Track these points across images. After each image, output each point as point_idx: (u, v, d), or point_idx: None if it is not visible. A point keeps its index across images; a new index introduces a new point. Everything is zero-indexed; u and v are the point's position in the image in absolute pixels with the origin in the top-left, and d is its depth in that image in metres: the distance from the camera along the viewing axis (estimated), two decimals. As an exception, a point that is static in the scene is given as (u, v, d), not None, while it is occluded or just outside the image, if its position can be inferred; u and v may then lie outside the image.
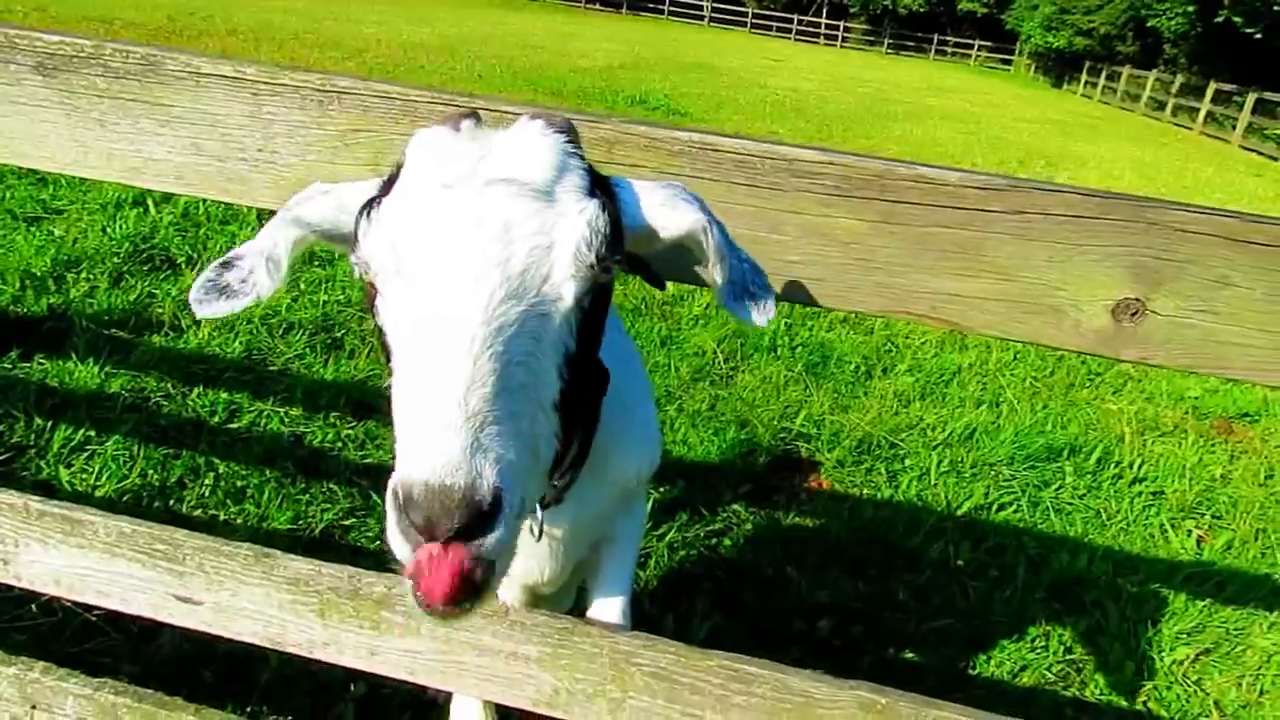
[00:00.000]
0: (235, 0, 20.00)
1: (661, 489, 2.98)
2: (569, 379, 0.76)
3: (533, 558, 1.17)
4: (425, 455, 0.65)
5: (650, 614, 2.39)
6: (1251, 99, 20.75)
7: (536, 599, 1.33)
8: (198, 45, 11.77)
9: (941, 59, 46.90)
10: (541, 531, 1.07)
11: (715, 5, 49.56)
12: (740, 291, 0.83)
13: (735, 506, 2.96)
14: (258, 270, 0.83)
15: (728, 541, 2.78)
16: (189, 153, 0.96)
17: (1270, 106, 20.92)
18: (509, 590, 1.28)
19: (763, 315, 0.83)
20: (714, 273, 0.82)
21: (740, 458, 3.28)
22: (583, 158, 0.78)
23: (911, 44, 48.51)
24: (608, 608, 1.33)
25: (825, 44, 47.00)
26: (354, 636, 1.17)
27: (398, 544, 0.68)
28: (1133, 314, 0.83)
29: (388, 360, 0.78)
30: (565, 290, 0.74)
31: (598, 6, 48.65)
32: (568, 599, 1.71)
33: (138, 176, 0.98)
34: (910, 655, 2.42)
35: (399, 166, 0.79)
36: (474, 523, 0.65)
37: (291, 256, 0.84)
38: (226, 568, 1.18)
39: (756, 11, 48.96)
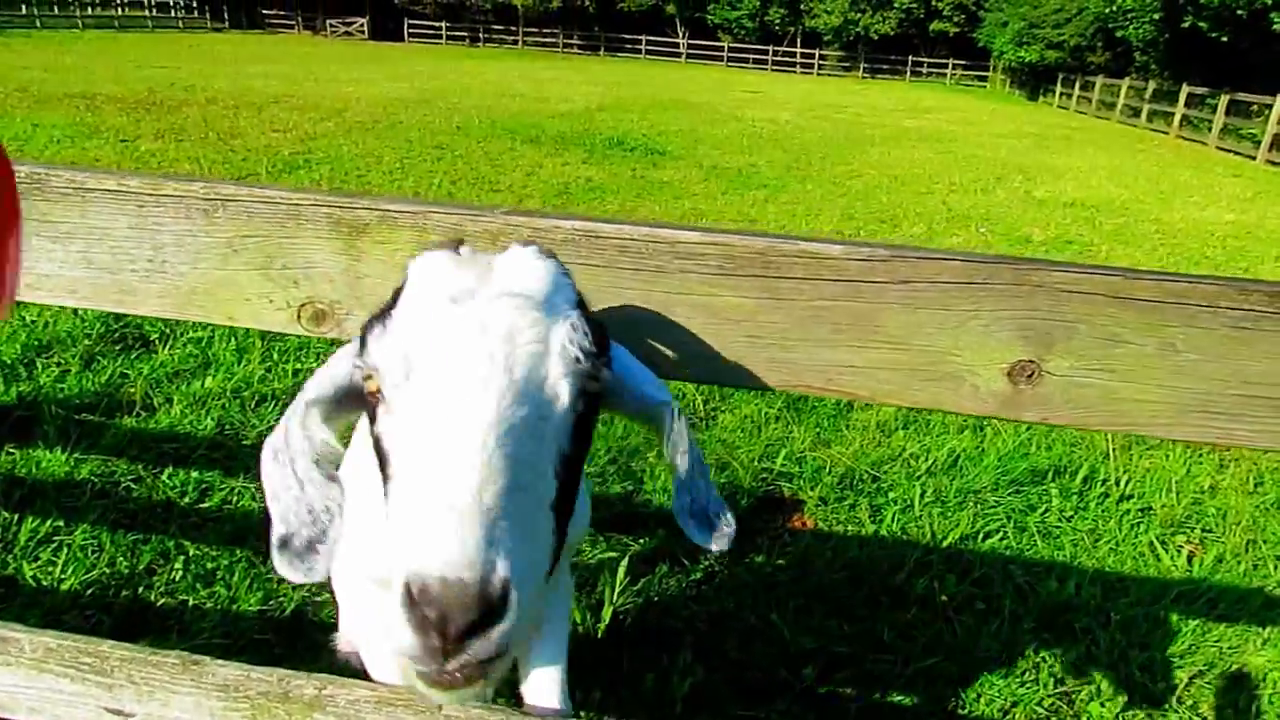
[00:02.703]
0: (215, 69, 20.32)
1: (641, 540, 2.94)
2: (564, 480, 0.79)
3: None
4: (440, 548, 0.66)
5: (631, 672, 2.35)
6: (1224, 101, 20.99)
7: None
8: (178, 114, 11.90)
9: (918, 80, 47.52)
10: None
11: (691, 42, 50.33)
12: (699, 511, 0.87)
13: (716, 553, 2.92)
14: (311, 489, 0.86)
15: (709, 590, 2.74)
16: (81, 266, 0.95)
17: (1243, 107, 21.15)
18: None
19: (722, 539, 0.88)
20: (676, 458, 0.86)
21: (721, 502, 3.25)
22: (574, 284, 0.84)
23: (886, 67, 49.17)
24: (545, 690, 1.30)
25: (801, 73, 47.63)
26: (288, 740, 1.14)
27: (407, 639, 0.68)
28: (1029, 376, 0.82)
29: (383, 469, 0.81)
30: (561, 390, 0.78)
31: (576, 51, 49.40)
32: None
33: (33, 293, 0.97)
34: (898, 698, 2.37)
35: (400, 288, 0.84)
36: (485, 618, 0.66)
37: (331, 434, 0.88)
38: (155, 677, 1.15)
39: (732, 45, 49.70)
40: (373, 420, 0.82)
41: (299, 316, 0.93)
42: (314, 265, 0.92)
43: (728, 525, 0.90)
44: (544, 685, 1.31)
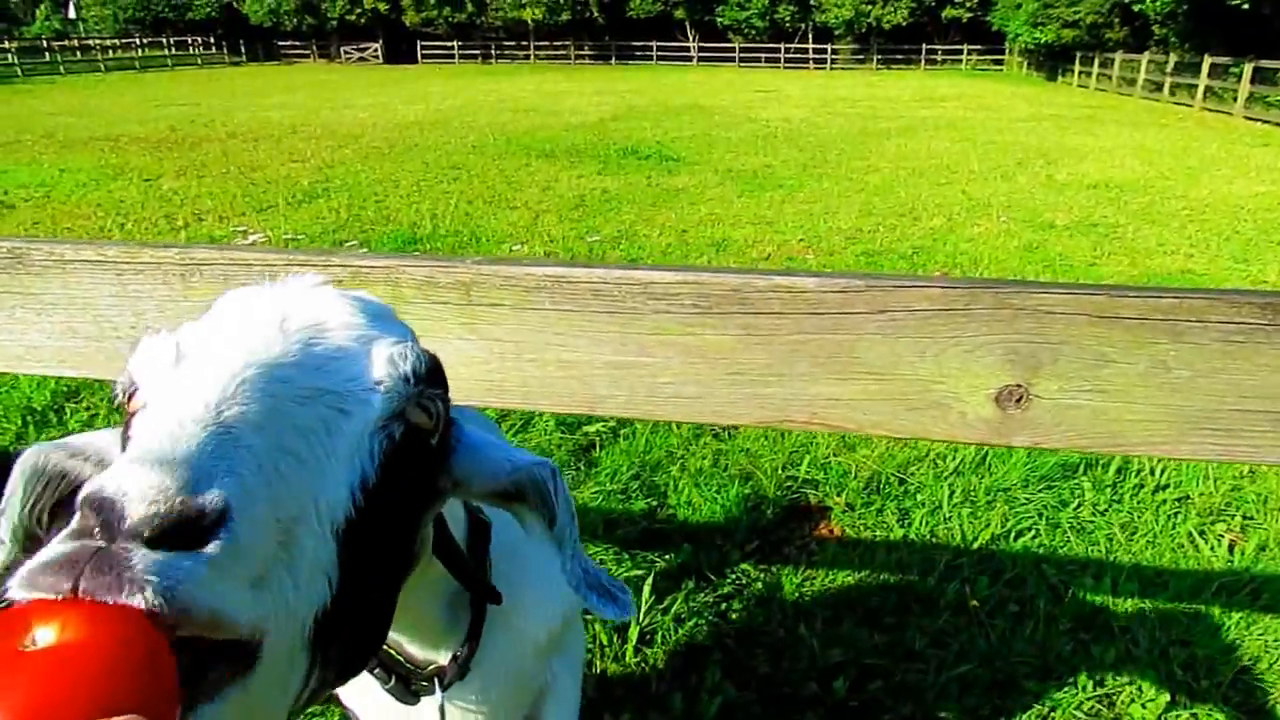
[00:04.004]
0: (234, 102, 20.68)
1: (667, 556, 2.93)
2: (360, 512, 0.58)
3: None
4: (135, 451, 0.47)
5: (659, 694, 2.34)
6: (1249, 69, 20.54)
7: None
8: (199, 150, 12.12)
9: (933, 68, 47.08)
10: (444, 715, 0.97)
11: (701, 45, 50.33)
12: (595, 583, 0.74)
13: (744, 566, 2.90)
14: None
15: (737, 605, 2.72)
16: (66, 337, 0.96)
17: (1269, 74, 20.69)
18: None
19: (627, 608, 0.75)
20: (564, 525, 0.73)
21: (746, 513, 3.23)
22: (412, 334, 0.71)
23: (900, 57, 48.76)
24: None
25: (814, 69, 47.39)
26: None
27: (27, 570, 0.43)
28: (1017, 400, 0.80)
29: None
30: (374, 398, 0.61)
31: (587, 61, 49.60)
32: None
33: (22, 364, 0.99)
34: (932, 709, 2.33)
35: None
36: (177, 531, 0.44)
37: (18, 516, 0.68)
38: None
39: (743, 46, 49.60)
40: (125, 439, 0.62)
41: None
42: (293, 324, 0.92)
43: (622, 592, 0.76)
44: None
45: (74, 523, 0.45)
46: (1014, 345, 0.78)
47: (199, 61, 46.37)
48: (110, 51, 43.10)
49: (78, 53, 40.86)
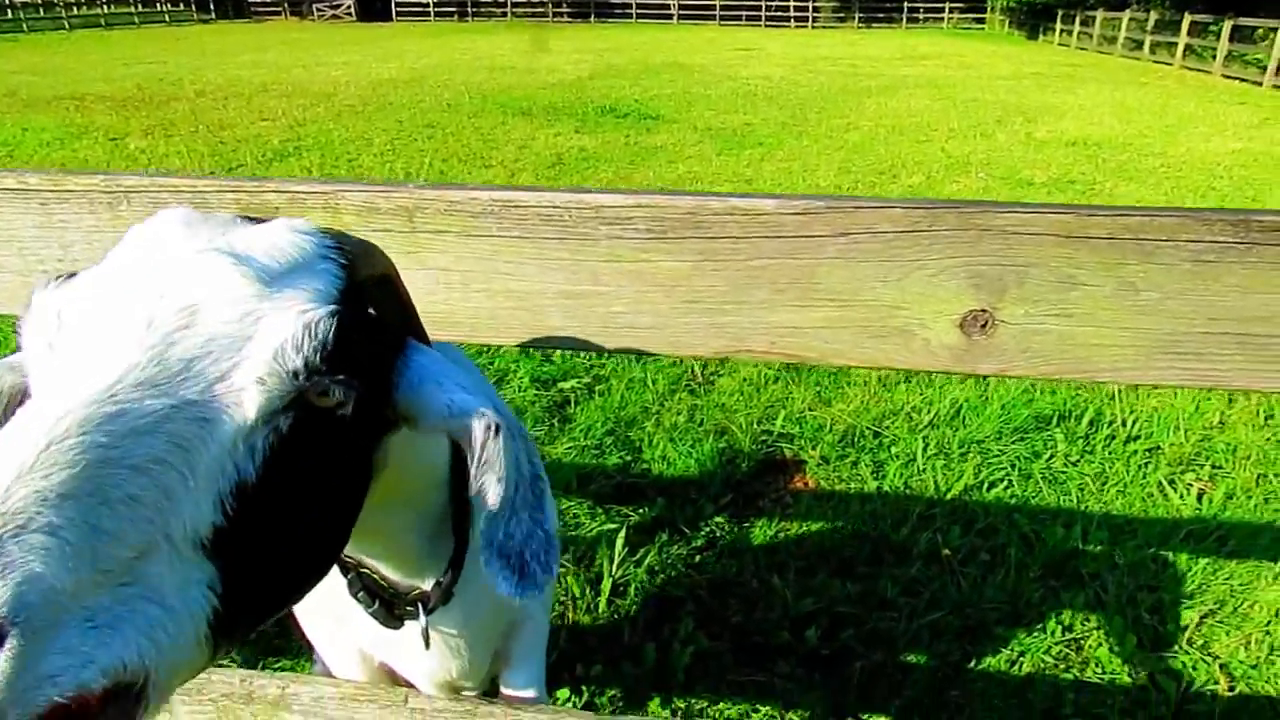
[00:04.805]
0: (203, 61, 20.17)
1: (641, 510, 2.92)
2: (239, 516, 0.57)
3: (435, 659, 1.11)
4: None
5: (632, 644, 2.34)
6: (1228, 27, 20.50)
7: (458, 693, 1.27)
8: (167, 109, 11.83)
9: (914, 26, 46.68)
10: (428, 637, 0.99)
11: (683, 3, 49.53)
12: (512, 551, 0.67)
13: (718, 519, 2.90)
14: None
15: (710, 557, 2.72)
16: (-8, 272, 0.91)
17: (1248, 32, 20.66)
18: (427, 689, 1.22)
19: (531, 589, 0.67)
20: (485, 483, 0.67)
21: (721, 467, 3.22)
22: (349, 273, 0.66)
23: (882, 15, 48.29)
24: (522, 693, 1.28)
25: (796, 26, 46.86)
26: (257, 740, 1.12)
27: None
28: (982, 326, 0.77)
29: None
30: (246, 399, 0.58)
31: (565, 19, 48.75)
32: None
33: (-51, 302, 0.94)
34: (903, 656, 2.35)
35: None
36: None
37: None
38: (119, 684, 1.13)
39: (724, 3, 48.88)
40: None
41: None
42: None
43: (545, 573, 0.68)
44: (522, 683, 1.29)
45: None
46: (979, 268, 0.75)
47: (167, 19, 45.11)
48: (75, 9, 41.84)
49: (40, 9, 39.60)
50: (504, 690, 1.31)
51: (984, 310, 0.77)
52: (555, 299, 0.83)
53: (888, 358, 0.80)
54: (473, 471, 0.67)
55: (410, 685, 1.20)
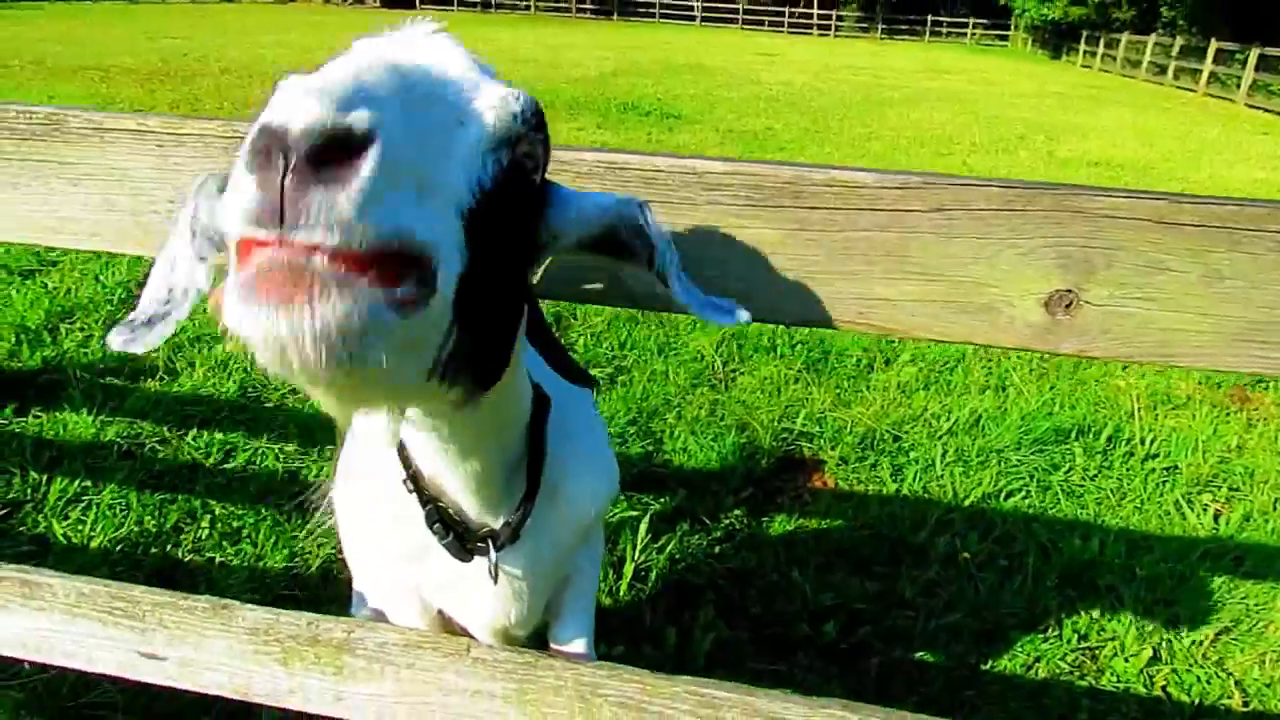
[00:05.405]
0: (228, 39, 20.24)
1: (662, 499, 2.95)
2: (474, 219, 0.62)
3: (498, 600, 1.14)
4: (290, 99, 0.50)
5: (653, 628, 2.36)
6: (1254, 56, 20.47)
7: (510, 641, 1.30)
8: (192, 85, 11.88)
9: (937, 40, 46.67)
10: (497, 573, 1.04)
11: (706, 5, 49.58)
12: (709, 302, 0.79)
13: (737, 512, 2.92)
14: (181, 268, 0.75)
15: (730, 548, 2.74)
16: (102, 210, 0.94)
17: (1273, 62, 20.62)
18: (483, 636, 1.25)
19: (745, 313, 0.79)
20: (666, 260, 0.77)
21: (741, 461, 3.25)
22: None
23: (905, 27, 48.30)
24: (572, 639, 1.31)
25: (819, 34, 46.88)
26: (318, 683, 1.15)
27: (246, 191, 0.50)
28: (1067, 306, 0.80)
29: None
30: (486, 117, 0.66)
31: (589, 15, 48.79)
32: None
33: (55, 236, 0.97)
34: (920, 654, 2.37)
35: None
36: (338, 153, 0.50)
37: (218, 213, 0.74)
38: (186, 622, 1.17)
39: (747, 7, 48.93)
40: None
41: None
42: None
43: (731, 306, 0.80)
44: (571, 635, 1.32)
45: (250, 151, 0.50)
46: (1069, 249, 0.78)
47: (191, -5, 45.24)
48: (100, -20, 41.92)
49: (67, -20, 39.71)
50: (552, 645, 1.34)
51: (1069, 290, 0.80)
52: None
53: (972, 333, 0.83)
54: (651, 238, 0.76)
55: (465, 634, 1.23)
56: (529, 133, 0.69)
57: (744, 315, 0.79)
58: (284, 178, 0.49)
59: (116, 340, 0.77)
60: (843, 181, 0.80)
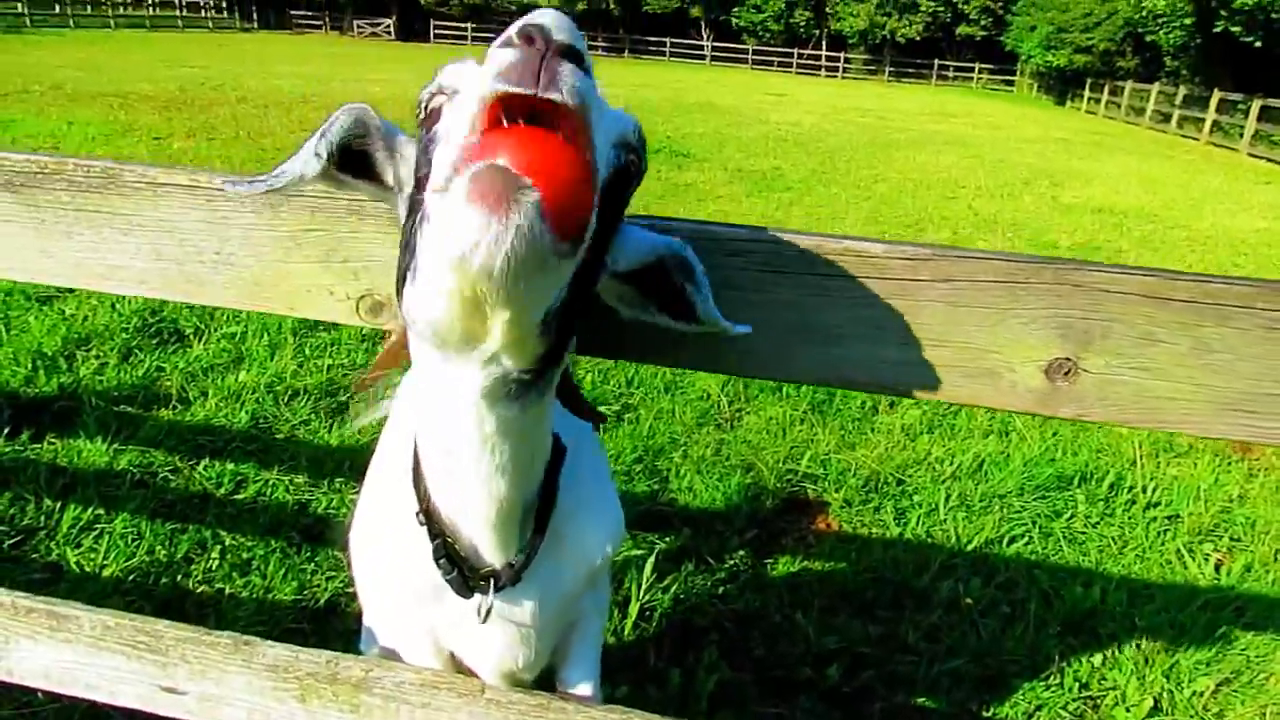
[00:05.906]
0: (244, 68, 20.59)
1: (667, 538, 2.97)
2: (595, 233, 0.73)
3: (506, 644, 1.16)
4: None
5: (656, 669, 2.38)
6: (1257, 106, 20.71)
7: (517, 684, 1.32)
8: (209, 113, 12.08)
9: (944, 84, 47.25)
10: (487, 615, 1.04)
11: (715, 45, 50.33)
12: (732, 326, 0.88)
13: (741, 553, 2.95)
14: (302, 156, 0.85)
15: (734, 589, 2.76)
16: (150, 259, 0.99)
17: (1276, 113, 20.85)
18: (491, 678, 1.27)
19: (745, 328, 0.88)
20: (703, 285, 0.86)
21: (746, 502, 3.27)
22: None
23: (912, 70, 48.94)
24: (580, 683, 1.34)
25: (826, 76, 47.52)
26: None
27: (507, 53, 0.65)
28: (1066, 373, 0.84)
29: (418, 191, 0.78)
30: (615, 119, 0.78)
31: (601, 53, 49.52)
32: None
33: (104, 282, 1.02)
34: (922, 700, 2.38)
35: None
36: (574, 55, 0.65)
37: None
38: (208, 657, 1.20)
39: (756, 48, 49.65)
40: (427, 140, 0.80)
41: (358, 308, 0.97)
42: (373, 259, 0.96)
43: (741, 326, 0.90)
44: (579, 678, 1.35)
45: (512, 40, 0.65)
46: (1068, 320, 0.83)
47: (210, 25, 46.12)
48: (121, 8, 42.83)
49: (88, 7, 40.55)
50: (560, 687, 1.37)
51: (1069, 359, 0.84)
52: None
53: (976, 396, 0.88)
54: (697, 278, 0.86)
55: (473, 676, 1.26)
56: (638, 144, 0.80)
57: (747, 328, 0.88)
58: (545, 54, 0.63)
59: (228, 185, 0.89)
60: (855, 251, 0.85)
